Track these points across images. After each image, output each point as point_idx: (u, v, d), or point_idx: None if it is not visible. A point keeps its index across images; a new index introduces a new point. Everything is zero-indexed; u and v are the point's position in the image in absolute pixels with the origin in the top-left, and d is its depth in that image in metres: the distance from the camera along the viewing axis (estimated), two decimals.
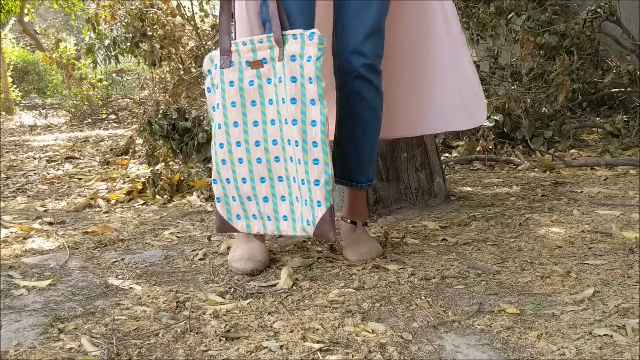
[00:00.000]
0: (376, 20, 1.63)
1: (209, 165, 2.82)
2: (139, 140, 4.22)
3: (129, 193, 2.82)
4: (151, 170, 2.70)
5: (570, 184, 2.58)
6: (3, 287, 1.51)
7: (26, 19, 12.05)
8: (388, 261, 1.61)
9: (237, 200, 1.54)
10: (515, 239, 1.78)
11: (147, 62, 3.42)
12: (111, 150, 5.25)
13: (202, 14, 8.63)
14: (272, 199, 1.50)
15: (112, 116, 9.35)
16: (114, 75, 12.17)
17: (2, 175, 3.78)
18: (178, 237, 2.02)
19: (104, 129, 8.36)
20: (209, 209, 2.53)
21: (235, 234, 1.69)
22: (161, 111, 2.50)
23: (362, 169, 1.71)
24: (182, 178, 2.84)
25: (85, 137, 6.90)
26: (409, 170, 2.30)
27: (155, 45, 3.36)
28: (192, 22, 7.62)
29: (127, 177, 3.49)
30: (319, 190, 1.40)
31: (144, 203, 2.71)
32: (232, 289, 1.45)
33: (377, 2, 1.63)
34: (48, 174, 3.84)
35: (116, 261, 1.73)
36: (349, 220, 1.73)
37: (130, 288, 1.48)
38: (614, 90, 4.53)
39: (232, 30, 1.50)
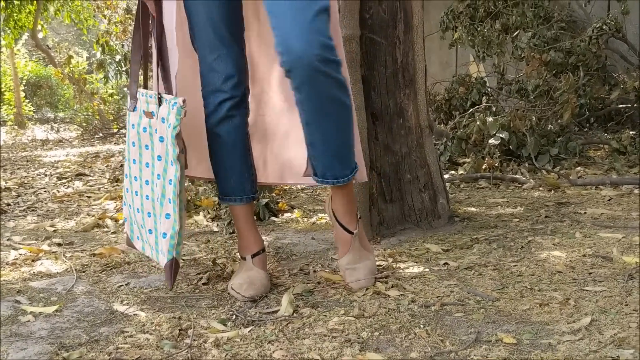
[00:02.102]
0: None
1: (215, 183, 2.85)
2: None
3: None
4: None
5: (574, 204, 2.58)
6: (10, 313, 1.54)
7: (40, 34, 12.22)
8: (389, 287, 1.63)
9: (135, 225, 1.74)
10: (516, 263, 1.80)
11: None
12: (121, 166, 5.31)
13: None
14: (154, 233, 1.63)
15: (123, 130, 9.42)
16: (125, 89, 12.22)
17: (13, 193, 3.83)
18: (183, 259, 2.04)
19: (114, 143, 8.45)
20: (215, 229, 2.56)
21: (238, 261, 1.74)
22: None
23: (344, 161, 1.62)
24: (189, 197, 2.88)
25: (96, 152, 6.98)
26: (412, 191, 2.32)
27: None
28: None
29: None
30: (165, 242, 1.54)
31: None
32: (234, 316, 1.47)
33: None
34: (58, 191, 3.89)
35: (122, 285, 1.76)
36: (347, 230, 1.69)
37: (135, 314, 1.51)
38: (621, 105, 4.53)
39: (149, 78, 1.68)
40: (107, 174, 4.73)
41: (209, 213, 2.77)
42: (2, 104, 12.17)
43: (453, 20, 4.70)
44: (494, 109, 4.94)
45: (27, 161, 6.15)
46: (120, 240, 2.44)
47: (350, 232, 1.69)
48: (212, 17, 1.63)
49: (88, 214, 3.08)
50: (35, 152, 7.53)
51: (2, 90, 12.04)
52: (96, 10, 9.22)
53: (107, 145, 8.21)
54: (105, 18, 8.96)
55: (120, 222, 2.78)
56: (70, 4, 11.11)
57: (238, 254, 1.79)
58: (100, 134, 9.19)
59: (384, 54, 2.20)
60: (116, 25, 8.59)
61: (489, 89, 4.96)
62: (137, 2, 1.70)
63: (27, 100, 12.65)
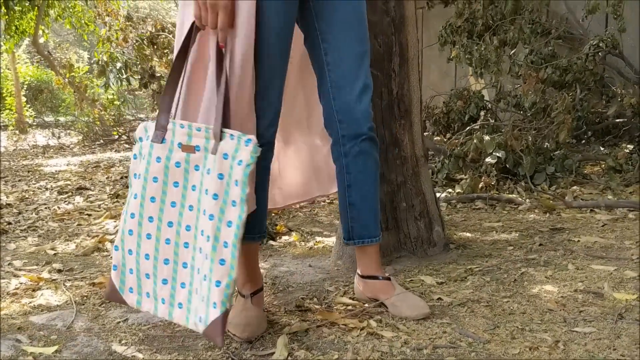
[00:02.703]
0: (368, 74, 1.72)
1: None
2: None
3: None
4: None
5: (569, 230, 2.61)
6: (11, 354, 1.57)
7: (41, 39, 12.26)
8: (383, 326, 1.66)
9: (134, 274, 1.50)
10: (508, 299, 1.82)
11: (155, 102, 3.48)
12: (121, 178, 5.34)
13: None
14: (171, 282, 1.47)
15: (124, 136, 9.46)
16: (126, 93, 12.29)
17: (14, 210, 3.87)
18: None
19: (115, 150, 8.49)
20: None
21: (234, 299, 1.75)
22: None
23: (377, 221, 1.82)
24: None
25: (96, 161, 7.01)
26: (408, 219, 2.35)
27: (164, 84, 3.42)
28: None
29: None
30: (218, 291, 1.36)
31: None
32: (230, 359, 1.50)
33: (367, 58, 1.71)
34: (59, 208, 3.92)
35: (120, 322, 1.79)
36: (381, 277, 1.82)
37: (133, 356, 1.54)
38: (618, 120, 4.56)
39: (173, 110, 1.53)
40: (108, 188, 4.76)
41: None
42: (3, 109, 12.21)
43: (451, 34, 4.73)
44: (492, 121, 4.97)
45: (29, 171, 6.18)
46: None
47: (388, 278, 1.82)
48: (283, 44, 1.61)
49: (88, 235, 3.12)
50: (36, 160, 7.57)
51: (3, 95, 12.08)
52: (97, 17, 9.25)
53: (108, 152, 8.25)
54: (106, 25, 8.98)
55: None
56: (71, 9, 11.15)
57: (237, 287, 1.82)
58: (101, 140, 9.22)
59: (379, 86, 2.23)
60: (117, 32, 8.62)
61: (487, 103, 5.00)
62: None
63: (28, 105, 12.67)
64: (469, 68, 6.08)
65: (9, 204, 4.04)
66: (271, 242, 2.74)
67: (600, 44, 3.91)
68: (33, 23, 10.74)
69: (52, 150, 8.97)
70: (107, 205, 3.94)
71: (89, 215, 3.64)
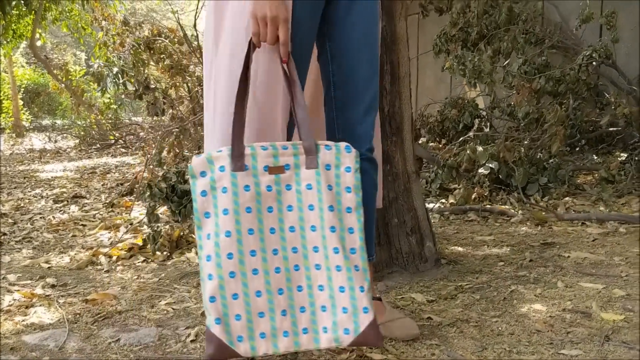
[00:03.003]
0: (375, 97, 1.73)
1: None
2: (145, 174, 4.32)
3: (129, 250, 2.90)
4: (151, 227, 2.78)
5: (559, 245, 2.63)
6: None
7: (38, 42, 12.25)
8: (373, 348, 1.67)
9: (242, 319, 1.35)
10: (497, 319, 1.84)
11: (149, 113, 3.50)
12: (117, 185, 5.35)
13: None
14: (290, 311, 1.38)
15: (121, 141, 9.48)
16: (122, 96, 12.29)
17: (10, 220, 3.88)
18: (173, 309, 2.09)
19: (111, 155, 8.50)
20: None
21: None
22: (162, 174, 2.59)
23: (372, 241, 1.81)
24: (181, 234, 2.93)
25: (93, 167, 7.02)
26: (400, 235, 2.37)
27: (158, 96, 3.44)
28: (200, 51, 7.76)
29: (130, 224, 3.58)
30: (364, 296, 1.35)
31: (144, 260, 2.79)
32: None
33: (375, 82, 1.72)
34: (54, 217, 3.93)
35: (111, 342, 1.80)
36: (372, 298, 1.81)
37: None
38: (611, 128, 4.59)
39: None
40: (103, 196, 4.77)
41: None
42: (0, 112, 12.21)
43: (446, 43, 4.74)
44: (486, 129, 4.99)
45: (25, 178, 6.19)
46: (112, 281, 2.49)
47: (379, 299, 1.82)
48: (305, 61, 1.62)
49: (83, 247, 3.13)
50: (33, 165, 7.57)
51: (1, 98, 12.08)
52: (94, 21, 9.23)
53: (104, 157, 8.25)
54: (102, 29, 8.97)
55: (114, 258, 2.83)
56: (68, 13, 11.14)
57: None
58: (98, 145, 9.23)
59: None
60: (113, 37, 8.61)
61: (482, 111, 5.02)
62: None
63: (25, 109, 12.67)
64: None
65: (4, 214, 4.05)
66: None
67: (594, 54, 3.93)
68: (30, 27, 10.74)
69: (48, 154, 8.98)
70: (102, 215, 3.95)
71: (84, 225, 3.65)
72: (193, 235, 2.96)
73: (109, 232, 3.43)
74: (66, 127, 12.39)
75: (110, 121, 9.76)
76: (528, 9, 4.42)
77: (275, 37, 1.44)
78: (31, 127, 12.35)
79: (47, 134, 11.01)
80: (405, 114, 2.33)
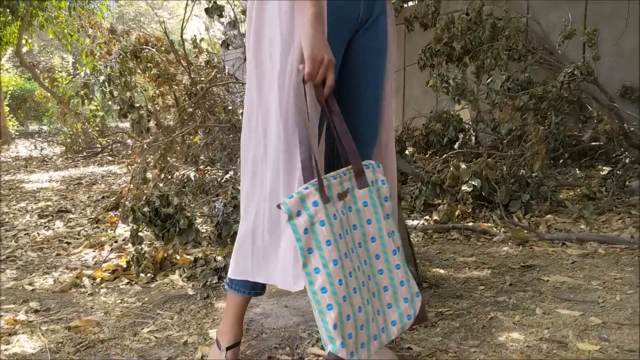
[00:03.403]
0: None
1: (189, 246, 2.91)
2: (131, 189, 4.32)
3: (113, 271, 2.90)
4: (135, 249, 2.78)
5: (539, 267, 2.67)
6: None
7: (24, 49, 12.19)
8: None
9: (352, 336, 1.43)
10: (475, 349, 1.87)
11: (134, 131, 3.51)
12: (102, 198, 5.34)
13: (197, 50, 8.80)
14: (374, 317, 1.51)
15: (107, 148, 9.44)
16: (109, 103, 12.24)
17: None
18: (156, 337, 2.10)
19: (98, 164, 8.47)
20: (190, 291, 2.62)
21: (211, 341, 1.79)
22: (144, 198, 2.60)
23: None
24: (165, 254, 2.94)
25: (79, 177, 6.99)
26: None
27: (143, 114, 3.45)
28: (186, 59, 7.76)
29: (115, 242, 3.58)
30: (414, 282, 1.58)
31: (128, 282, 2.80)
32: None
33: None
34: (38, 234, 3.92)
35: None
36: None
37: None
38: (593, 143, 4.64)
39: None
40: (89, 210, 4.76)
41: (184, 272, 2.83)
42: None
43: (430, 58, 4.78)
44: (472, 142, 5.03)
45: (10, 189, 6.16)
46: (96, 305, 2.50)
47: None
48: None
49: (67, 267, 3.13)
50: (18, 175, 7.53)
51: None
52: (80, 29, 9.21)
53: (91, 166, 8.22)
54: (90, 37, 8.95)
55: (98, 280, 2.83)
56: (54, 20, 11.10)
57: (211, 330, 1.85)
58: (84, 153, 9.19)
59: None
60: (100, 45, 8.59)
61: (466, 124, 5.06)
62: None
63: (12, 115, 12.58)
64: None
65: None
66: None
67: (575, 72, 3.98)
68: (16, 33, 10.69)
69: (34, 162, 8.93)
70: (86, 231, 3.95)
71: (68, 243, 3.65)
72: (177, 257, 2.97)
73: (94, 251, 3.43)
74: (53, 133, 12.33)
75: (97, 128, 9.72)
76: (511, 26, 4.47)
77: (324, 78, 1.52)
78: (17, 133, 12.26)
79: (34, 140, 10.95)
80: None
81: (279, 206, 1.44)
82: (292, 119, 1.54)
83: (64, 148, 9.73)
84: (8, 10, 9.26)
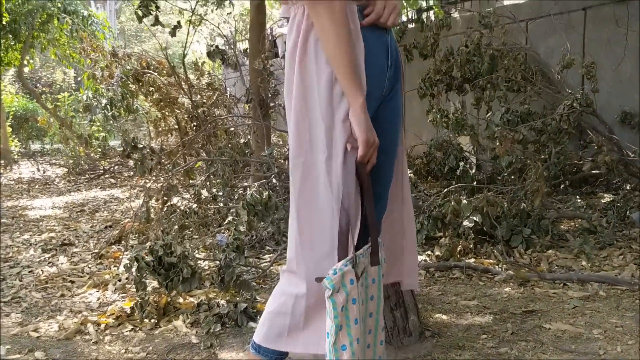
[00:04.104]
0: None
1: (192, 294, 2.93)
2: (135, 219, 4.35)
3: (118, 317, 2.92)
4: (139, 295, 2.80)
5: (541, 313, 2.68)
6: None
7: (26, 69, 12.27)
8: None
9: None
10: None
11: (138, 172, 3.54)
12: (105, 228, 5.37)
13: (198, 72, 8.87)
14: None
15: (109, 169, 9.48)
16: (111, 122, 12.31)
17: None
18: None
19: (100, 187, 8.50)
20: (194, 339, 2.64)
21: None
22: (148, 245, 2.63)
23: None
24: (169, 299, 2.96)
25: (81, 203, 7.02)
26: (384, 310, 2.41)
27: (146, 154, 3.48)
28: (188, 83, 7.82)
29: (119, 280, 3.60)
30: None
31: (132, 329, 2.82)
32: None
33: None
34: (42, 271, 3.95)
35: None
36: None
37: None
38: (594, 171, 4.67)
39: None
40: (92, 242, 4.79)
41: (188, 317, 2.84)
42: None
43: (430, 87, 4.82)
44: (473, 169, 5.06)
45: (13, 217, 6.18)
46: (100, 355, 2.52)
47: None
48: None
49: (71, 310, 3.15)
50: (21, 200, 7.56)
51: None
52: (82, 51, 9.28)
53: (93, 190, 8.25)
54: (90, 62, 9.02)
55: (102, 326, 2.85)
56: (56, 41, 11.18)
57: None
58: (87, 176, 9.23)
59: None
60: (102, 68, 8.65)
61: (466, 153, 5.09)
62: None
63: (14, 136, 12.64)
64: (450, 106, 6.20)
65: None
66: (251, 323, 2.78)
67: (574, 104, 4.01)
68: (18, 55, 10.75)
69: (37, 185, 8.96)
70: (90, 268, 3.97)
71: (72, 282, 3.67)
72: (180, 302, 2.99)
73: (98, 291, 3.45)
74: (54, 152, 12.39)
75: (99, 150, 9.77)
76: (510, 57, 4.51)
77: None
78: (19, 153, 12.31)
79: (36, 161, 10.99)
80: None
81: (319, 280, 1.48)
82: (343, 197, 1.58)
83: (66, 170, 9.77)
84: (10, 35, 9.33)
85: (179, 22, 5.14)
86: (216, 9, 8.75)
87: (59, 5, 10.33)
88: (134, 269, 2.65)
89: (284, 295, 1.68)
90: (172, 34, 5.03)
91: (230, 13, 10.14)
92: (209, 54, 5.36)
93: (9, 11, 8.95)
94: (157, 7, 4.40)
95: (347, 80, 1.54)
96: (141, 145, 3.43)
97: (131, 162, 9.01)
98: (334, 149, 1.57)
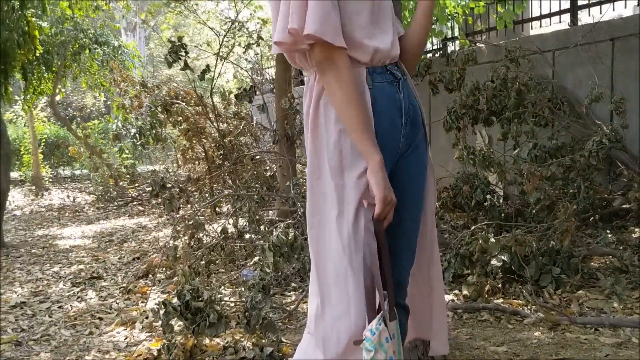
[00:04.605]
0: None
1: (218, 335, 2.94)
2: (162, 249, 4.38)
3: (145, 359, 2.94)
4: (166, 337, 2.82)
5: None
6: None
7: (57, 97, 12.56)
8: None
9: None
10: None
11: (166, 209, 3.59)
12: (133, 260, 5.43)
13: (225, 102, 8.99)
14: None
15: (138, 197, 9.60)
16: (140, 149, 12.50)
17: (29, 312, 3.95)
18: None
19: (128, 215, 8.61)
20: None
21: None
22: (176, 291, 2.66)
23: None
24: (195, 342, 2.97)
25: (110, 232, 7.12)
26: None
27: (174, 193, 3.53)
28: (214, 112, 7.93)
29: (146, 318, 3.63)
30: None
31: None
32: None
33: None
34: (71, 307, 4.00)
35: None
36: None
37: None
38: (624, 206, 4.59)
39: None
40: (120, 275, 4.84)
41: None
42: (21, 167, 12.46)
43: (456, 120, 4.81)
44: (500, 202, 5.01)
45: (44, 247, 6.29)
46: None
47: None
48: None
49: (99, 349, 3.18)
50: (52, 228, 7.70)
51: (22, 153, 12.34)
52: (112, 82, 9.48)
53: (122, 218, 8.36)
54: (121, 91, 9.20)
55: None
56: (88, 70, 11.44)
57: None
58: (115, 204, 9.37)
59: None
60: (131, 100, 8.82)
61: (494, 186, 5.04)
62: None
63: (45, 162, 12.90)
64: (476, 138, 6.16)
65: (23, 303, 4.13)
66: None
67: (604, 140, 3.96)
68: (51, 84, 11.01)
69: (67, 212, 9.12)
70: (118, 304, 4.01)
71: (101, 319, 3.71)
72: (206, 344, 3.00)
73: (125, 329, 3.48)
74: (84, 178, 12.62)
75: (127, 177, 9.92)
76: (537, 91, 4.48)
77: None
78: (50, 179, 12.56)
79: (66, 187, 11.20)
80: None
81: (357, 342, 1.51)
82: (354, 255, 1.60)
83: (95, 197, 9.93)
84: (44, 67, 9.58)
85: (207, 65, 5.26)
86: (244, 52, 8.91)
87: (91, 36, 10.59)
88: (161, 313, 2.67)
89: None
90: (201, 77, 5.14)
91: (258, 54, 10.30)
92: (237, 97, 5.46)
93: (42, 42, 9.19)
94: (187, 53, 4.50)
95: (361, 140, 1.59)
96: (169, 185, 3.48)
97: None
98: (345, 207, 1.61)
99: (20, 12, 7.90)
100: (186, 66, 4.67)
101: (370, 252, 1.59)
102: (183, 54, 4.47)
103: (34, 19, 8.41)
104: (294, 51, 1.66)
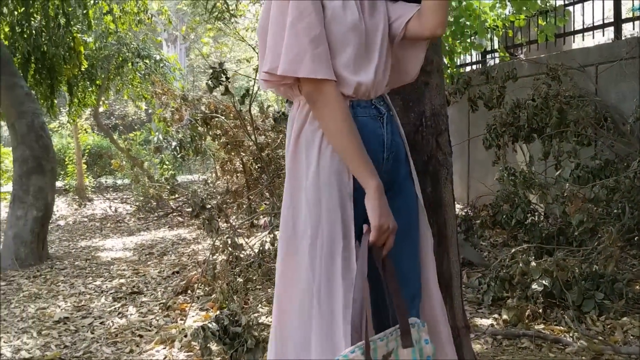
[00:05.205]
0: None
1: None
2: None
3: None
4: (205, 359, 2.86)
5: None
6: None
7: (100, 109, 12.86)
8: None
9: None
10: None
11: (204, 229, 3.64)
12: (173, 274, 5.51)
13: (263, 115, 9.08)
14: None
15: (177, 208, 9.75)
16: (180, 160, 12.68)
17: (72, 327, 4.04)
18: None
19: (168, 226, 8.75)
20: None
21: None
22: (215, 316, 2.70)
23: None
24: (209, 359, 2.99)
25: (150, 244, 7.25)
26: None
27: (214, 214, 3.59)
28: (252, 125, 8.01)
29: (185, 336, 3.68)
30: None
31: None
32: None
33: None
34: (112, 323, 4.08)
35: None
36: None
37: None
38: None
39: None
40: (160, 289, 4.92)
41: None
42: (65, 176, 12.79)
43: (496, 138, 4.75)
44: (540, 219, 4.91)
45: (86, 259, 6.44)
46: None
47: None
48: None
49: None
50: (94, 240, 7.88)
51: (65, 163, 12.67)
52: (154, 95, 9.67)
53: (162, 229, 8.51)
54: (162, 103, 9.38)
55: None
56: (130, 82, 11.70)
57: None
58: (155, 214, 9.54)
59: None
60: (172, 113, 8.98)
61: (535, 205, 4.96)
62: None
63: (88, 173, 13.23)
64: (515, 158, 6.06)
65: (66, 318, 4.23)
66: None
67: None
68: (94, 97, 11.27)
69: (109, 223, 9.32)
70: (157, 320, 4.07)
71: (141, 336, 3.77)
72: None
73: (165, 347, 3.53)
74: (125, 187, 12.90)
75: (167, 188, 10.09)
76: (579, 109, 4.39)
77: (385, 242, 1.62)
78: (93, 188, 12.87)
79: (108, 197, 11.46)
80: (454, 272, 2.35)
81: None
82: (324, 288, 1.60)
83: (135, 207, 10.14)
84: (88, 80, 9.83)
85: (247, 90, 5.32)
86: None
87: (133, 49, 10.83)
88: (200, 337, 2.70)
89: None
90: (241, 102, 5.21)
91: None
92: (275, 120, 5.52)
93: (87, 57, 9.44)
94: (227, 79, 4.57)
95: (357, 167, 1.61)
96: (209, 206, 3.53)
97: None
98: (319, 239, 1.62)
99: (66, 29, 8.15)
100: (227, 91, 4.74)
101: (362, 276, 1.57)
102: (224, 79, 4.53)
103: (79, 35, 8.66)
104: (281, 85, 1.68)
